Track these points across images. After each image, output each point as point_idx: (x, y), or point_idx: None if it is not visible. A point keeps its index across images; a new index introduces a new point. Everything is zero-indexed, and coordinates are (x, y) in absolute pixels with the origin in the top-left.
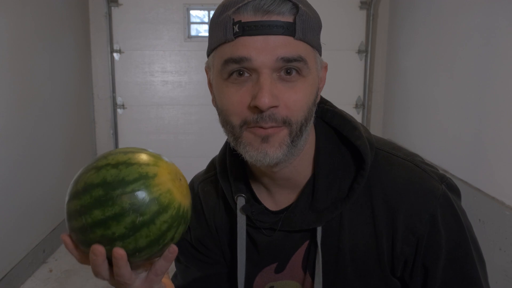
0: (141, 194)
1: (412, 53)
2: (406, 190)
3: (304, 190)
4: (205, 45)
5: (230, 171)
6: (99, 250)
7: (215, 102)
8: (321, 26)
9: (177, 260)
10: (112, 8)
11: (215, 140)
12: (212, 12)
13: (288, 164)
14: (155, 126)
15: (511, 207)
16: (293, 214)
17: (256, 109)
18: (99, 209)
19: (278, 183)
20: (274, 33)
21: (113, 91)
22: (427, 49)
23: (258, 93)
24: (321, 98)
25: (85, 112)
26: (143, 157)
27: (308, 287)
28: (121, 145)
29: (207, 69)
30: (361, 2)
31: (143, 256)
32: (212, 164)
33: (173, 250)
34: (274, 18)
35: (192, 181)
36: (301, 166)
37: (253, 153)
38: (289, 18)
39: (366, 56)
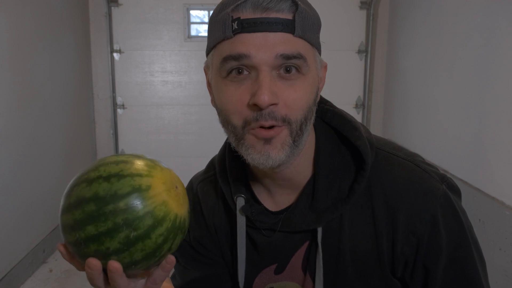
0: (135, 209)
1: (412, 53)
2: (406, 190)
3: (304, 191)
4: (205, 45)
5: (230, 171)
6: (93, 264)
7: (214, 102)
8: (320, 25)
9: (176, 260)
10: (112, 8)
11: (215, 140)
12: (212, 12)
13: (289, 165)
14: (155, 126)
15: (511, 207)
16: (293, 215)
17: (256, 107)
18: (91, 224)
19: (278, 183)
20: (273, 30)
21: (113, 91)
22: (427, 49)
23: (258, 91)
24: (321, 98)
25: (85, 112)
26: (136, 167)
27: None
28: (121, 145)
29: (206, 68)
30: (361, 2)
31: (139, 268)
32: (211, 164)
33: (170, 260)
34: (273, 15)
35: (191, 181)
36: (301, 166)
37: (256, 156)
38: (288, 16)
39: (366, 56)
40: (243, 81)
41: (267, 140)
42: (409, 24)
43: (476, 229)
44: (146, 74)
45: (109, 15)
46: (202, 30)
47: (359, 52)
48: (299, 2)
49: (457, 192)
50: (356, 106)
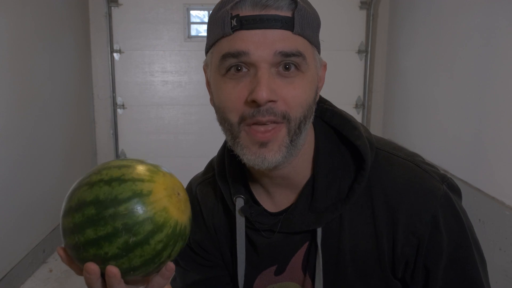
0: (135, 214)
1: (412, 53)
2: (406, 190)
3: (304, 191)
4: (205, 45)
5: (229, 172)
6: (92, 268)
7: (213, 101)
8: (320, 24)
9: (176, 263)
10: (112, 8)
11: (215, 140)
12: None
13: (287, 164)
14: (155, 126)
15: (511, 207)
16: (292, 216)
17: (254, 104)
18: (91, 228)
19: (277, 183)
20: (272, 27)
21: (113, 91)
22: (427, 49)
23: (256, 87)
24: (320, 97)
25: (85, 112)
26: (138, 172)
27: None
28: (121, 145)
29: (205, 67)
30: (361, 2)
31: (138, 274)
32: (210, 166)
33: (170, 268)
34: (272, 12)
35: (190, 183)
36: (300, 166)
37: (251, 157)
38: (287, 13)
39: (366, 56)
40: (242, 78)
41: (263, 144)
42: (409, 24)
43: (476, 229)
44: (146, 74)
45: (109, 15)
46: (202, 30)
47: (359, 52)
48: (299, 0)
49: (457, 192)
50: (356, 106)
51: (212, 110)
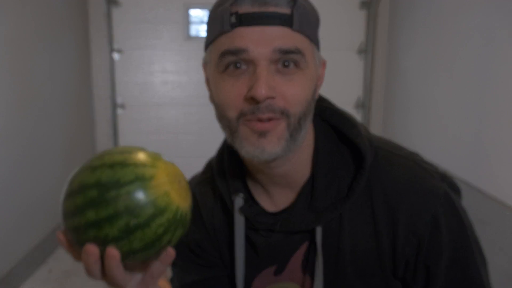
0: (137, 196)
1: (412, 53)
2: (406, 190)
3: (303, 190)
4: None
5: (228, 170)
6: (91, 250)
7: (212, 98)
8: (319, 21)
9: (174, 263)
10: (112, 8)
11: (215, 140)
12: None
13: (286, 161)
14: (155, 126)
15: None
16: (291, 215)
17: (253, 101)
18: (92, 210)
19: (275, 181)
20: (271, 23)
21: (113, 91)
22: (427, 49)
23: (255, 84)
24: (320, 96)
25: (85, 112)
26: (141, 157)
27: None
28: (121, 145)
29: (204, 64)
30: (361, 2)
31: (137, 258)
32: (209, 166)
33: (170, 253)
34: (272, 9)
35: (189, 183)
36: (299, 164)
37: (250, 148)
38: (286, 10)
39: (366, 56)
40: (241, 75)
41: (262, 134)
42: (409, 24)
43: (477, 229)
44: (146, 74)
45: (109, 15)
46: (202, 30)
47: (359, 52)
48: None
49: (457, 191)
50: (356, 106)
51: (212, 110)
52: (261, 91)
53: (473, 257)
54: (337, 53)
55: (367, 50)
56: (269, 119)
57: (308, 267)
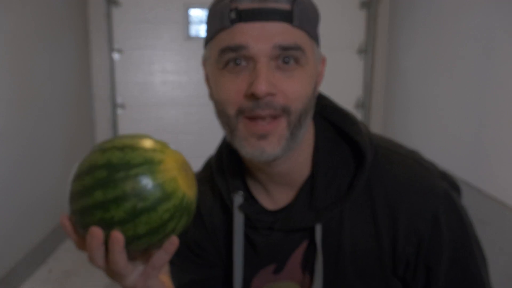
0: (145, 179)
1: (412, 53)
2: (407, 189)
3: (303, 188)
4: None
5: (227, 169)
6: (96, 232)
7: (211, 95)
8: (319, 18)
9: (172, 262)
10: (112, 8)
11: (215, 140)
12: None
13: (286, 160)
14: (155, 126)
15: None
16: (291, 214)
17: (253, 97)
18: (100, 190)
19: (275, 180)
20: (271, 19)
21: (113, 91)
22: (427, 49)
23: (255, 80)
24: (321, 94)
25: (85, 112)
26: (150, 143)
27: None
28: None
29: (204, 61)
30: (361, 2)
31: (141, 244)
32: (208, 164)
33: (173, 241)
34: (271, 5)
35: None
36: (299, 163)
37: (249, 149)
38: (286, 6)
39: (366, 56)
40: (241, 72)
41: (262, 136)
42: (409, 24)
43: (477, 229)
44: (146, 74)
45: (109, 15)
46: (202, 30)
47: (359, 51)
48: None
49: (457, 190)
50: (356, 106)
51: (212, 110)
52: (261, 87)
53: (473, 256)
54: (337, 53)
55: (367, 50)
56: (270, 118)
57: (307, 266)
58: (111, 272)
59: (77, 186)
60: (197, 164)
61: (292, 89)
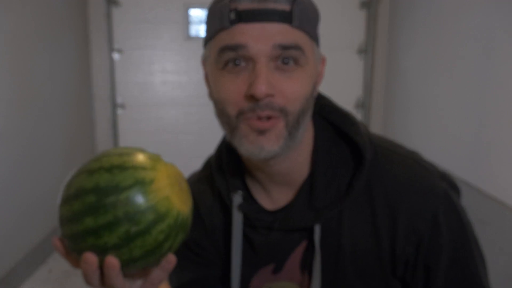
0: (136, 202)
1: (412, 53)
2: (406, 189)
3: (302, 188)
4: None
5: (226, 168)
6: (90, 259)
7: (211, 95)
8: (319, 18)
9: None
10: (112, 8)
11: (215, 140)
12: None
13: (285, 159)
14: (155, 126)
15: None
16: (291, 213)
17: (252, 98)
18: (90, 216)
19: (274, 180)
20: (271, 20)
21: (113, 91)
22: (427, 49)
23: (254, 81)
24: (319, 94)
25: (85, 112)
26: (140, 160)
27: None
28: (121, 145)
29: (204, 61)
30: (361, 2)
31: (137, 266)
32: (207, 164)
33: (170, 260)
34: (271, 6)
35: (187, 181)
36: (298, 162)
37: (248, 146)
38: (286, 6)
39: (366, 56)
40: (241, 72)
41: (261, 132)
42: (409, 24)
43: (477, 229)
44: (146, 74)
45: (109, 15)
46: (202, 30)
47: (359, 51)
48: None
49: (457, 190)
50: (356, 106)
51: (212, 110)
52: (261, 88)
53: (473, 256)
54: (337, 53)
55: (367, 50)
56: (268, 118)
57: (306, 266)
58: None
59: (66, 212)
60: (197, 164)
61: (291, 90)
